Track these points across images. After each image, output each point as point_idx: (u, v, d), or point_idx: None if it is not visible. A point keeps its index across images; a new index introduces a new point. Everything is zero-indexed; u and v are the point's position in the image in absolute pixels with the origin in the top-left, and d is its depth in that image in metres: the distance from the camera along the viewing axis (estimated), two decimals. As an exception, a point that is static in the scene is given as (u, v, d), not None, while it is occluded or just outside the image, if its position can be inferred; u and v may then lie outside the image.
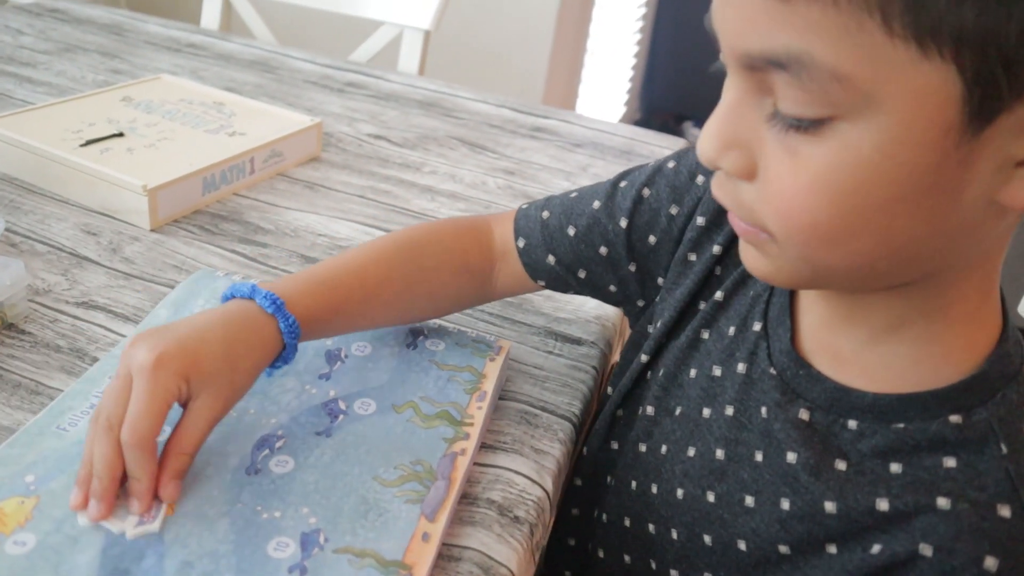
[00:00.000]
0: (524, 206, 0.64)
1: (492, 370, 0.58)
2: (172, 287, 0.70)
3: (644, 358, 0.59)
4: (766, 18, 0.34)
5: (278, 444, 0.51)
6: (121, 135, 0.89)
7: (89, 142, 0.86)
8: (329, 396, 0.55)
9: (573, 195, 0.63)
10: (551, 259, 0.61)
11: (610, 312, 0.75)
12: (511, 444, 0.57)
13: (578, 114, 1.22)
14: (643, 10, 3.06)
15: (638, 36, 3.13)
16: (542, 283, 0.64)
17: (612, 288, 0.62)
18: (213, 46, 1.32)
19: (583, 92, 2.69)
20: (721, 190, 0.42)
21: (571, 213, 0.61)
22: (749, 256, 0.44)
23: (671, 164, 0.59)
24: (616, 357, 0.85)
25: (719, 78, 0.41)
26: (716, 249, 0.56)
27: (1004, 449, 0.41)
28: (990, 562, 0.39)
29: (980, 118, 0.34)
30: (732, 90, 0.39)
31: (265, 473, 0.48)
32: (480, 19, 2.19)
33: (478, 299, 0.66)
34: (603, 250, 0.60)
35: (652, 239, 0.59)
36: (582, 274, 0.62)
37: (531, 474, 0.55)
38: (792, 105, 0.36)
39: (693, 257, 0.57)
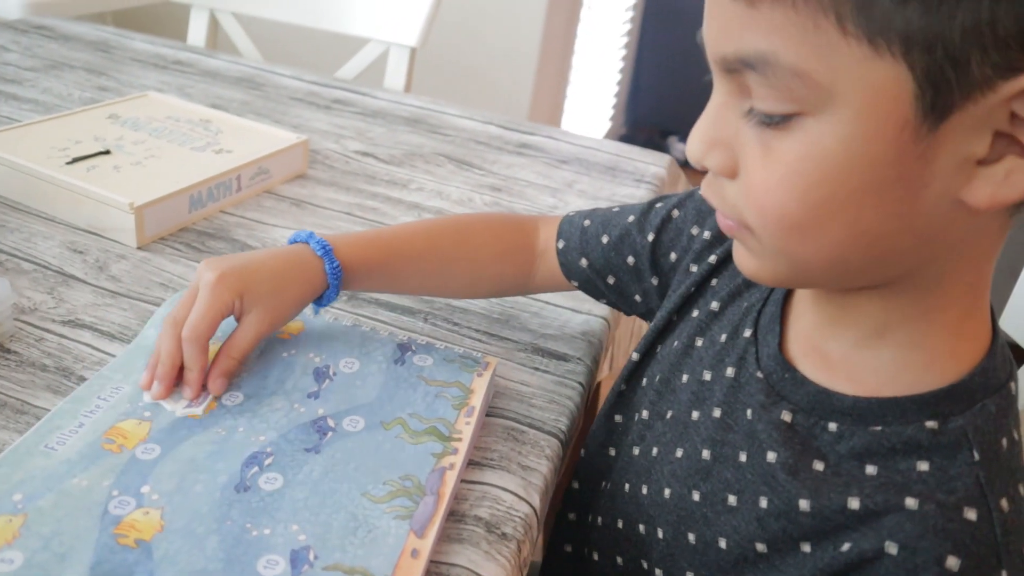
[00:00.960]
0: (571, 213, 0.71)
1: (480, 385, 0.59)
2: (159, 305, 0.70)
3: (635, 356, 0.62)
4: (737, 23, 0.38)
5: (267, 461, 0.51)
6: (108, 153, 0.89)
7: (75, 160, 0.86)
8: (318, 414, 0.55)
9: (615, 209, 0.69)
10: (584, 262, 0.68)
11: (596, 328, 0.75)
12: (498, 461, 0.57)
13: (564, 131, 1.23)
14: (628, 26, 3.09)
15: (623, 52, 3.15)
16: (575, 284, 0.69)
17: (638, 298, 0.67)
18: (199, 63, 1.32)
19: (568, 108, 2.71)
20: (708, 189, 0.44)
21: (608, 223, 0.67)
22: (738, 254, 0.46)
23: (702, 191, 0.63)
24: (602, 373, 0.86)
25: (703, 93, 0.44)
26: (713, 259, 0.59)
27: (976, 456, 0.42)
28: (952, 562, 0.40)
29: (934, 115, 0.35)
30: (716, 94, 0.42)
31: (254, 490, 0.49)
32: (466, 37, 2.21)
33: (516, 289, 0.73)
34: (631, 260, 0.66)
35: (673, 256, 0.63)
36: (611, 280, 0.67)
37: (518, 491, 0.55)
38: (763, 102, 0.38)
39: (694, 268, 0.60)
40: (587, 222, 0.68)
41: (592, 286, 0.69)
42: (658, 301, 0.65)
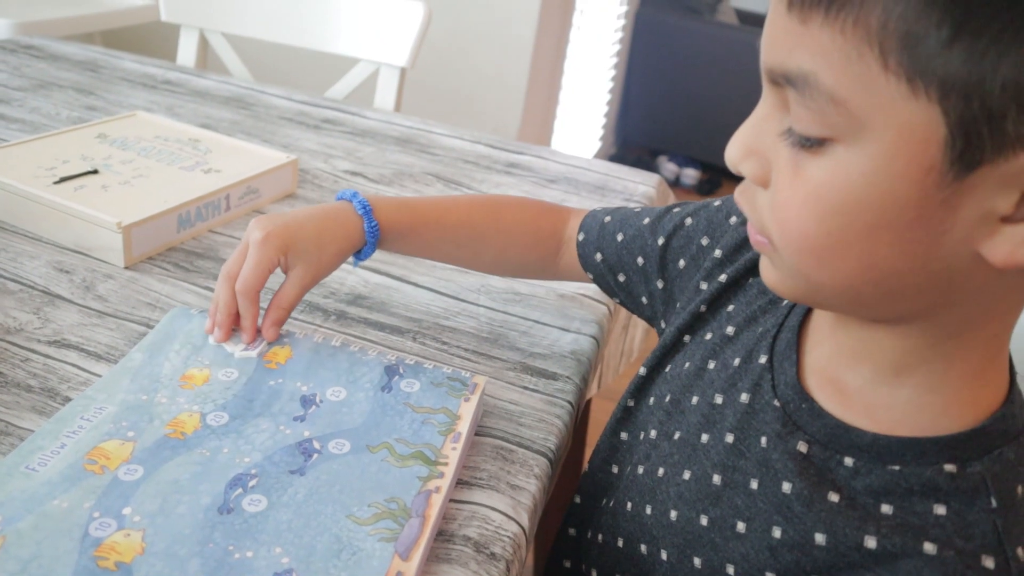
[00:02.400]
0: (596, 209, 0.74)
1: (467, 411, 0.58)
2: (147, 325, 0.69)
3: (643, 371, 0.62)
4: (788, 37, 0.38)
5: (251, 483, 0.50)
6: (95, 172, 0.88)
7: (63, 179, 0.86)
8: (303, 436, 0.55)
9: (636, 209, 0.71)
10: (599, 256, 0.70)
11: (585, 347, 0.75)
12: (487, 480, 0.57)
13: (552, 149, 1.24)
14: (617, 47, 3.11)
15: (612, 73, 3.18)
16: (590, 276, 0.72)
17: (644, 300, 0.69)
18: (189, 83, 1.32)
19: (558, 128, 2.72)
20: (742, 196, 0.45)
21: (625, 222, 0.69)
22: (763, 267, 0.47)
23: (717, 203, 0.65)
24: (591, 392, 0.86)
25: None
26: (723, 278, 0.59)
27: (994, 503, 0.42)
28: None
29: (962, 164, 0.35)
30: (762, 104, 0.42)
31: (238, 512, 0.48)
32: (456, 58, 2.22)
33: (542, 272, 0.76)
34: (640, 260, 0.68)
35: (682, 263, 0.65)
36: (621, 278, 0.69)
37: (507, 510, 0.55)
38: (800, 123, 0.38)
39: (704, 286, 0.61)
40: (608, 218, 0.71)
41: (604, 281, 0.71)
42: (662, 307, 0.67)
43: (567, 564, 0.65)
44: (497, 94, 2.24)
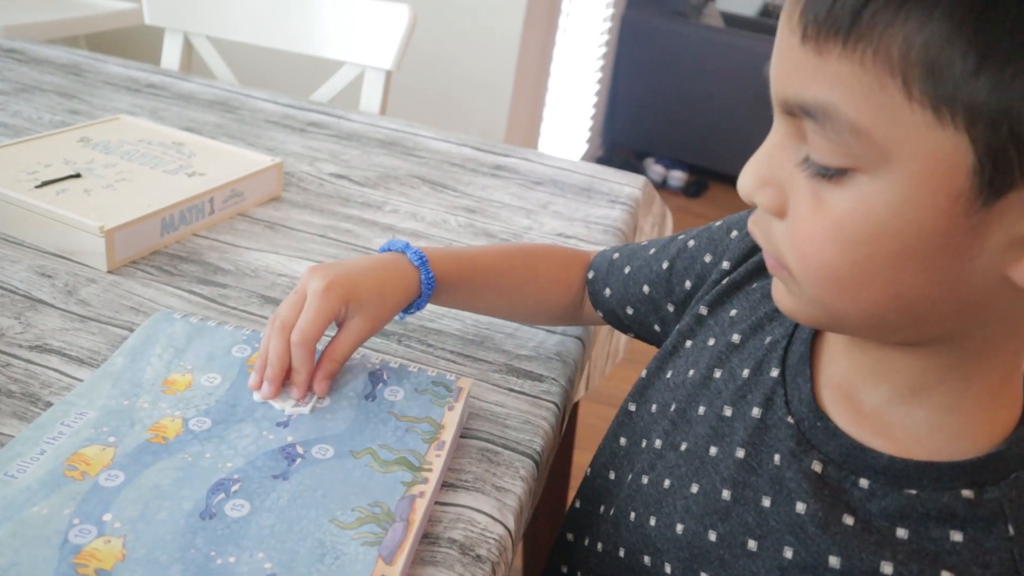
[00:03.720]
0: (606, 249, 0.74)
1: (451, 419, 0.58)
2: (130, 329, 0.69)
3: (645, 374, 0.62)
4: (803, 69, 0.37)
5: (234, 488, 0.50)
6: (78, 176, 0.88)
7: (45, 183, 0.85)
8: (287, 441, 0.54)
9: (644, 243, 0.71)
10: (607, 292, 0.70)
11: (571, 348, 0.75)
12: (472, 482, 0.57)
13: (538, 152, 1.24)
14: (603, 49, 3.12)
15: (599, 75, 3.18)
16: (600, 314, 0.72)
17: (657, 328, 0.68)
18: (173, 86, 1.32)
19: (544, 131, 2.72)
20: (756, 226, 0.44)
21: (633, 256, 0.70)
22: (776, 290, 0.46)
23: (717, 224, 0.65)
24: (579, 394, 0.86)
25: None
26: (726, 282, 0.59)
27: (1011, 531, 0.41)
28: None
29: (991, 191, 0.34)
30: (774, 133, 0.41)
31: (220, 517, 0.48)
32: (441, 61, 2.22)
33: (569, 318, 0.76)
34: (646, 289, 0.67)
35: (688, 283, 0.64)
36: (630, 311, 0.69)
37: (493, 512, 0.55)
38: (819, 153, 0.38)
39: (705, 311, 0.60)
40: (616, 255, 0.71)
41: (615, 316, 0.71)
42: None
43: (564, 570, 0.64)
44: (483, 97, 2.24)
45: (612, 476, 0.61)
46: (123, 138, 0.99)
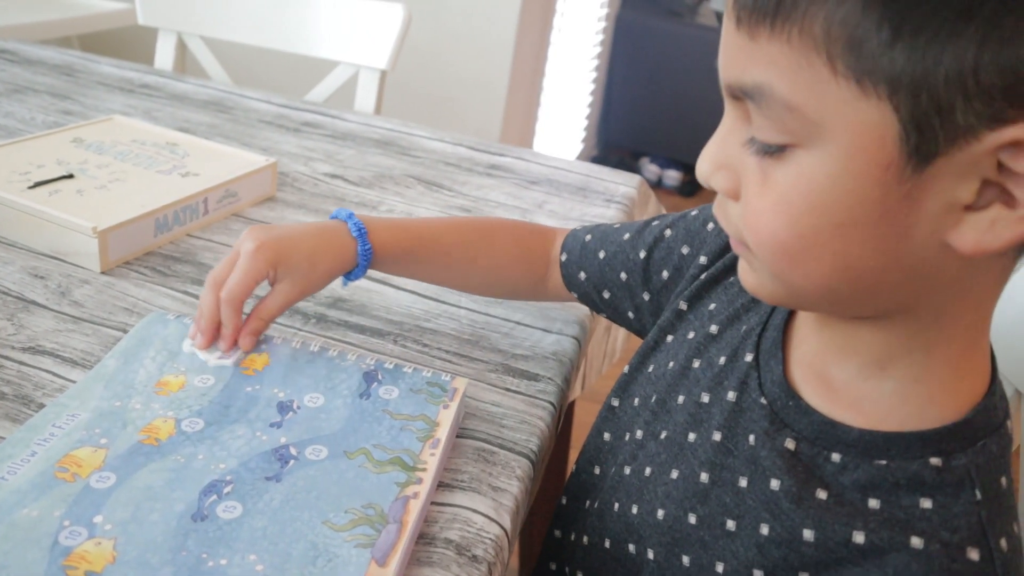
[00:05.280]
0: (577, 228, 0.74)
1: (446, 417, 0.58)
2: (123, 330, 0.68)
3: (627, 370, 0.63)
4: (741, 54, 0.39)
5: (226, 489, 0.49)
6: (71, 177, 0.87)
7: (37, 184, 0.84)
8: (280, 442, 0.54)
9: (616, 226, 0.71)
10: (582, 275, 0.71)
11: (567, 348, 0.75)
12: (468, 482, 0.56)
13: (533, 151, 1.23)
14: (598, 49, 3.12)
15: (593, 75, 3.18)
16: (575, 295, 0.73)
17: (631, 314, 0.69)
18: (167, 86, 1.31)
19: (540, 131, 2.72)
20: (718, 210, 0.46)
21: (606, 240, 0.70)
22: (741, 271, 0.47)
23: (693, 213, 0.66)
24: (574, 393, 0.85)
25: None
26: (704, 276, 0.60)
27: (978, 495, 0.42)
28: None
29: (919, 158, 0.36)
30: (725, 119, 0.43)
31: (212, 519, 0.47)
32: (436, 60, 2.21)
33: (532, 293, 0.76)
34: (623, 276, 0.68)
35: (665, 274, 0.65)
36: (606, 294, 0.70)
37: (489, 512, 0.54)
38: (761, 132, 0.40)
39: (685, 307, 0.60)
40: (588, 237, 0.71)
41: (589, 299, 0.72)
42: (650, 319, 0.67)
43: (552, 567, 0.65)
44: (478, 96, 2.24)
45: (597, 471, 0.62)
46: (116, 138, 0.99)
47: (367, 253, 0.66)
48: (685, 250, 0.64)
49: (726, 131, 0.43)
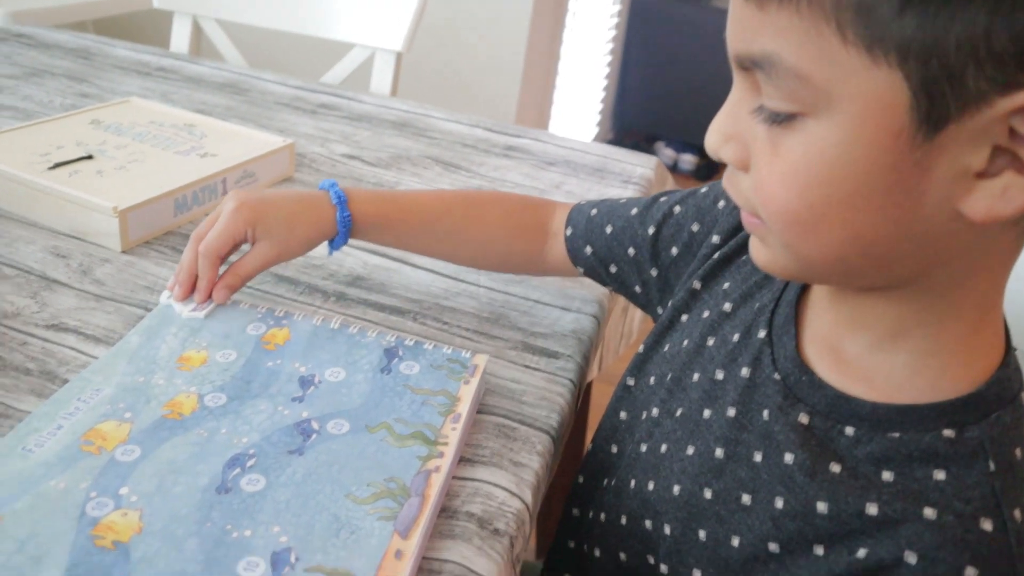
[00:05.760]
0: (582, 202, 0.73)
1: (467, 393, 0.58)
2: (145, 308, 0.69)
3: (642, 349, 0.62)
4: (750, 24, 0.39)
5: (249, 463, 0.50)
6: (90, 157, 0.88)
7: (57, 165, 0.85)
8: (302, 417, 0.54)
9: (622, 201, 0.71)
10: (588, 250, 0.70)
11: (586, 326, 0.75)
12: (490, 457, 0.57)
13: (551, 133, 1.23)
14: (613, 32, 3.10)
15: (608, 58, 3.16)
16: (581, 270, 0.72)
17: (637, 289, 0.69)
18: (183, 69, 1.31)
19: (555, 114, 2.71)
20: (727, 182, 0.45)
21: (613, 214, 0.69)
22: (753, 246, 0.47)
23: (703, 190, 0.65)
24: (592, 374, 0.85)
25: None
26: (717, 255, 0.60)
27: (992, 467, 0.42)
28: (970, 572, 0.40)
29: (930, 125, 0.36)
30: (734, 90, 0.43)
31: (236, 492, 0.47)
32: (451, 43, 2.20)
33: (527, 267, 0.76)
34: (631, 251, 0.67)
35: (674, 250, 0.65)
36: (613, 269, 0.69)
37: (510, 487, 0.54)
38: (770, 100, 0.39)
39: (699, 286, 0.60)
40: (594, 211, 0.71)
41: (596, 274, 0.71)
42: (657, 294, 0.67)
43: (571, 545, 0.65)
44: (493, 79, 2.23)
45: (614, 449, 0.62)
46: (134, 120, 0.99)
47: (346, 220, 0.67)
48: (695, 227, 0.64)
49: (735, 102, 0.42)
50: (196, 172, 0.86)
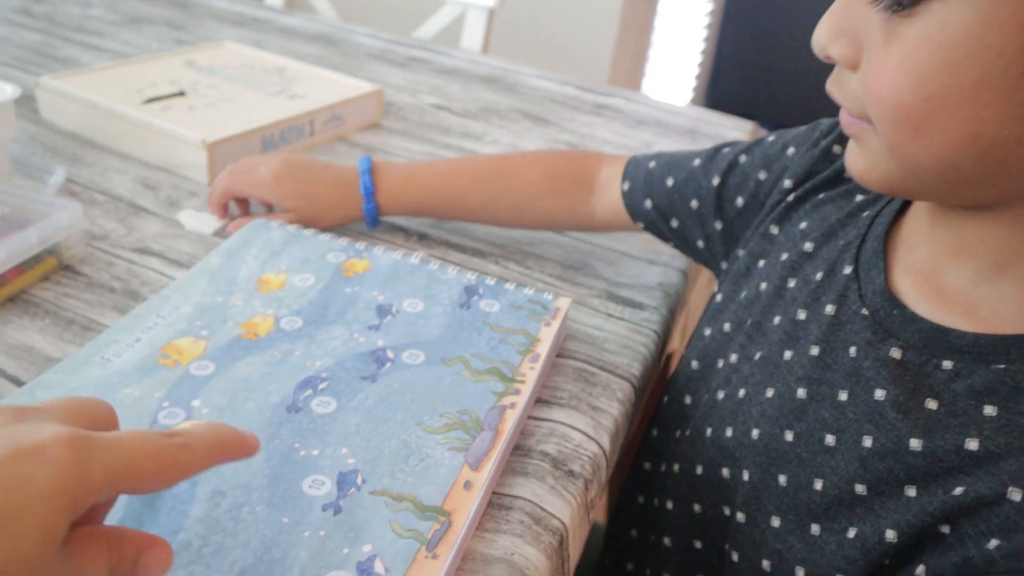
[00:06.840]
0: (637, 155, 0.70)
1: (547, 334, 0.56)
2: (226, 239, 0.68)
3: (719, 297, 0.60)
4: None
5: (321, 386, 0.48)
6: (182, 94, 0.88)
7: (150, 100, 0.86)
8: (377, 345, 0.53)
9: (682, 153, 0.67)
10: (648, 203, 0.67)
11: (674, 280, 0.71)
12: (568, 400, 0.54)
13: (642, 94, 1.19)
14: (711, 6, 3.01)
15: (705, 33, 3.07)
16: (641, 225, 0.69)
17: (700, 244, 0.65)
18: (276, 20, 1.32)
19: (646, 83, 2.64)
20: (834, 84, 0.43)
21: (673, 166, 0.66)
22: (850, 155, 0.44)
23: (771, 138, 0.62)
24: (674, 343, 0.82)
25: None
26: (791, 198, 0.56)
27: None
28: None
29: None
30: None
31: (306, 412, 0.46)
32: (545, 4, 2.16)
33: (574, 223, 0.72)
34: (694, 203, 0.64)
35: (740, 201, 0.61)
36: (675, 223, 0.66)
37: (588, 430, 0.52)
38: None
39: (775, 230, 0.57)
40: (652, 164, 0.67)
41: (656, 228, 0.68)
42: (722, 248, 0.63)
43: (640, 500, 0.62)
44: (587, 41, 2.18)
45: (688, 400, 0.59)
46: (227, 62, 1.00)
47: (371, 211, 0.69)
48: (762, 176, 0.60)
49: None
50: (284, 112, 0.86)
